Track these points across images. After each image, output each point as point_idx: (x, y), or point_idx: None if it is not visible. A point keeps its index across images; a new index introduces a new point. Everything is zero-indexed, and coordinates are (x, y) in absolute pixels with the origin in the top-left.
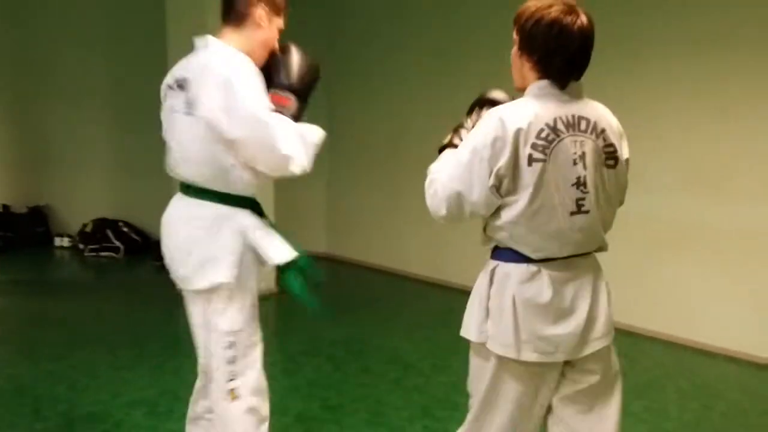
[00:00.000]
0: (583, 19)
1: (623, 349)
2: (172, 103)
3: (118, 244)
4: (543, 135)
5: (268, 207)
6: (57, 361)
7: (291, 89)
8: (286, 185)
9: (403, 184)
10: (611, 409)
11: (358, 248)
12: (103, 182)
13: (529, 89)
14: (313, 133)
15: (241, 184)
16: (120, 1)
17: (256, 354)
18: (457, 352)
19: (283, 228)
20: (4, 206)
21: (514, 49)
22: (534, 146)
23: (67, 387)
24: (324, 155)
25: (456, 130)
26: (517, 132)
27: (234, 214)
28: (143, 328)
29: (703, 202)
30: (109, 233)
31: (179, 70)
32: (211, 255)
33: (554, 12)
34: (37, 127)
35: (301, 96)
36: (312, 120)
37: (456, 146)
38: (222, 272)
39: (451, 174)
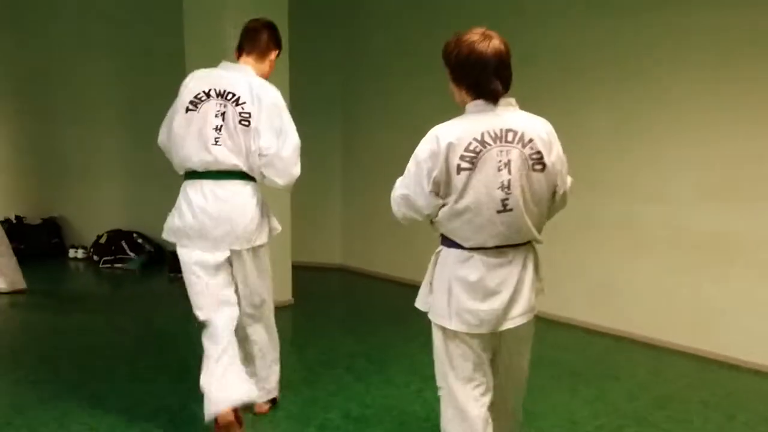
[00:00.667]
0: (496, 42)
1: (646, 362)
2: (207, 108)
3: (132, 255)
4: (471, 147)
5: (284, 219)
6: (79, 372)
7: None
8: (301, 197)
9: None
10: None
11: (374, 259)
12: (117, 193)
13: (466, 108)
14: None
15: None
16: (137, 16)
17: None
18: None
19: (298, 239)
20: (18, 218)
21: (449, 81)
22: (462, 157)
23: (88, 396)
24: (339, 167)
25: None
26: (448, 146)
27: (258, 192)
28: (161, 339)
29: (727, 214)
30: (124, 245)
31: (220, 83)
32: (260, 220)
33: (470, 42)
34: (51, 139)
35: None
36: (327, 131)
37: None
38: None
39: (404, 182)
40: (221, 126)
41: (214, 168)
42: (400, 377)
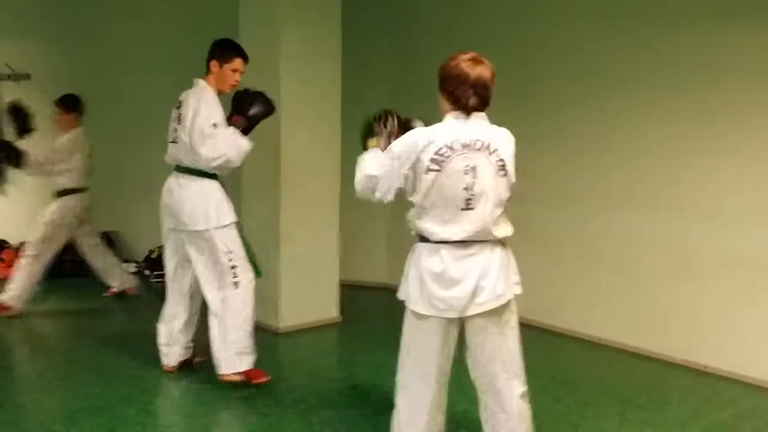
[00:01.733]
0: (481, 67)
1: (697, 388)
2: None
3: None
4: (441, 152)
5: (332, 238)
6: (129, 384)
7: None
8: (349, 216)
9: None
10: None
11: None
12: None
13: (445, 116)
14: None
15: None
16: (188, 33)
17: None
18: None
19: (346, 258)
20: None
21: (438, 90)
22: (432, 160)
23: (138, 409)
24: None
25: (377, 135)
26: (422, 148)
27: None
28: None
29: None
30: None
31: None
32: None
33: (460, 63)
34: (103, 155)
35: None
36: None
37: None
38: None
39: (380, 162)
40: None
41: None
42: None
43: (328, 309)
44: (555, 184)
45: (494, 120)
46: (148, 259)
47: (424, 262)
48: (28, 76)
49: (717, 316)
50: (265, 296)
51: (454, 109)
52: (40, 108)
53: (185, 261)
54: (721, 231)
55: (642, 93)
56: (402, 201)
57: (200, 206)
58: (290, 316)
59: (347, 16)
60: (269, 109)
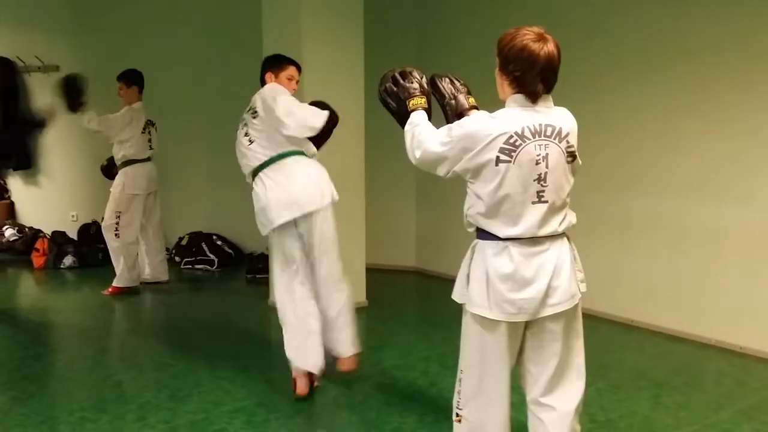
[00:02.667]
0: (550, 45)
1: (732, 371)
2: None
3: (212, 257)
4: (511, 141)
5: (359, 222)
6: (159, 370)
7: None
8: (377, 200)
9: None
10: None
11: (448, 262)
12: (198, 197)
13: (507, 102)
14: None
15: None
16: (217, 30)
17: None
18: None
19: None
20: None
21: (497, 69)
22: (502, 150)
23: (169, 395)
24: (414, 169)
25: (414, 95)
26: (488, 137)
27: None
28: (239, 339)
29: None
30: (204, 246)
31: None
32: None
33: (525, 39)
34: None
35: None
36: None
37: (424, 108)
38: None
39: (441, 140)
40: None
41: None
42: None
43: (356, 294)
44: (587, 166)
45: None
46: (178, 246)
47: (491, 262)
48: (56, 68)
49: (752, 297)
50: None
51: (517, 92)
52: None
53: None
54: (754, 211)
55: (667, 72)
56: (428, 179)
57: (314, 185)
58: None
59: (369, 9)
60: (335, 120)
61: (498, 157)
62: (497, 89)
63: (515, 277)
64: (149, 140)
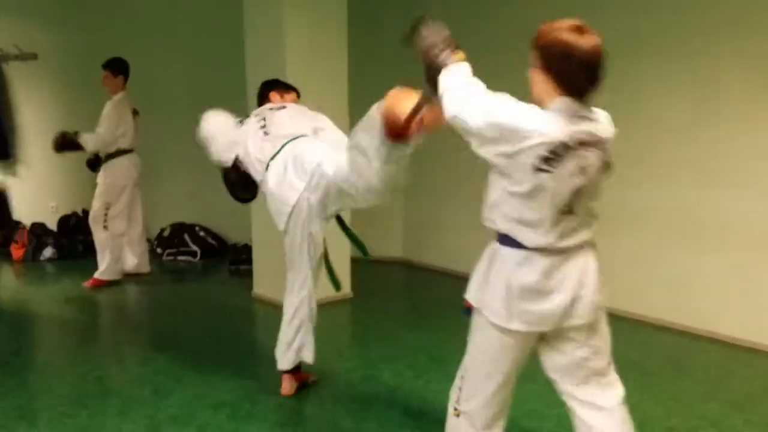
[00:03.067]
0: (596, 39)
1: (722, 361)
2: None
3: (194, 248)
4: (555, 150)
5: (344, 212)
6: (143, 365)
7: None
8: None
9: (478, 190)
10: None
11: (435, 253)
12: (180, 188)
13: (549, 105)
14: None
15: None
16: (200, 21)
17: None
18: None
19: (358, 232)
20: (85, 211)
21: (534, 68)
22: (545, 159)
23: (151, 390)
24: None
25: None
26: (529, 140)
27: None
28: (223, 332)
29: None
30: (187, 237)
31: None
32: None
33: (573, 34)
34: None
35: None
36: None
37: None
38: None
39: (481, 115)
40: None
41: None
42: None
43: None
44: None
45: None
46: (160, 237)
47: (513, 273)
48: (35, 56)
49: (742, 288)
50: (277, 274)
51: (562, 94)
52: (48, 86)
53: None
54: (744, 200)
55: (657, 60)
56: (415, 168)
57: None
58: None
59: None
60: None
61: (537, 164)
62: (533, 90)
63: (539, 288)
64: (136, 129)
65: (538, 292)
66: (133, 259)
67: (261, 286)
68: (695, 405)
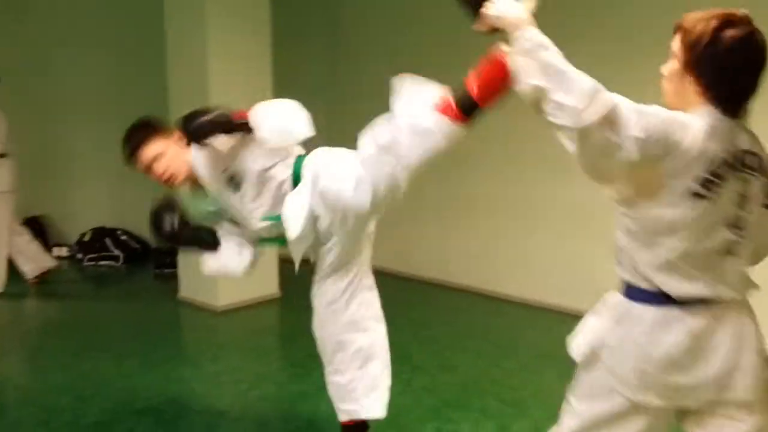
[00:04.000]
0: (762, 34)
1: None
2: None
3: (117, 252)
4: (718, 171)
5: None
6: (63, 371)
7: None
8: None
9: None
10: None
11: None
12: (100, 191)
13: (698, 116)
14: None
15: None
16: (119, 17)
17: None
18: (463, 351)
19: None
20: None
21: (676, 67)
22: (705, 182)
23: (73, 397)
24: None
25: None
26: (695, 152)
27: None
28: (147, 337)
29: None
30: (108, 242)
31: None
32: None
33: (738, 30)
34: (31, 138)
35: None
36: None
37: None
38: None
39: (639, 122)
40: None
41: None
42: (391, 367)
43: (267, 285)
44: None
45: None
46: (80, 242)
47: (648, 334)
48: None
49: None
50: (203, 277)
51: (712, 104)
52: None
53: None
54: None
55: None
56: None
57: None
58: (229, 294)
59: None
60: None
61: (694, 189)
62: (668, 93)
63: (684, 354)
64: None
65: (683, 359)
66: (30, 264)
67: (187, 290)
68: None
